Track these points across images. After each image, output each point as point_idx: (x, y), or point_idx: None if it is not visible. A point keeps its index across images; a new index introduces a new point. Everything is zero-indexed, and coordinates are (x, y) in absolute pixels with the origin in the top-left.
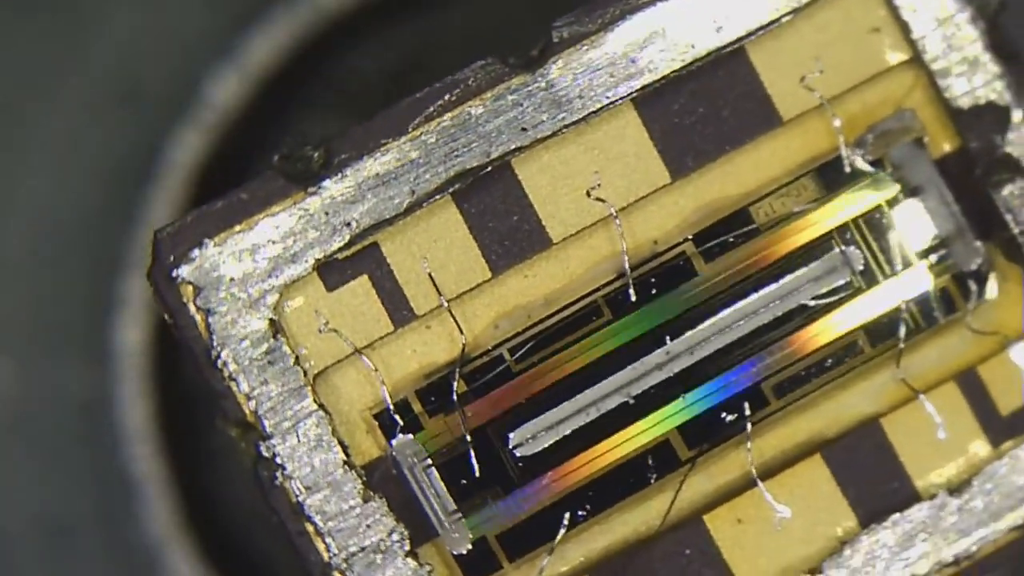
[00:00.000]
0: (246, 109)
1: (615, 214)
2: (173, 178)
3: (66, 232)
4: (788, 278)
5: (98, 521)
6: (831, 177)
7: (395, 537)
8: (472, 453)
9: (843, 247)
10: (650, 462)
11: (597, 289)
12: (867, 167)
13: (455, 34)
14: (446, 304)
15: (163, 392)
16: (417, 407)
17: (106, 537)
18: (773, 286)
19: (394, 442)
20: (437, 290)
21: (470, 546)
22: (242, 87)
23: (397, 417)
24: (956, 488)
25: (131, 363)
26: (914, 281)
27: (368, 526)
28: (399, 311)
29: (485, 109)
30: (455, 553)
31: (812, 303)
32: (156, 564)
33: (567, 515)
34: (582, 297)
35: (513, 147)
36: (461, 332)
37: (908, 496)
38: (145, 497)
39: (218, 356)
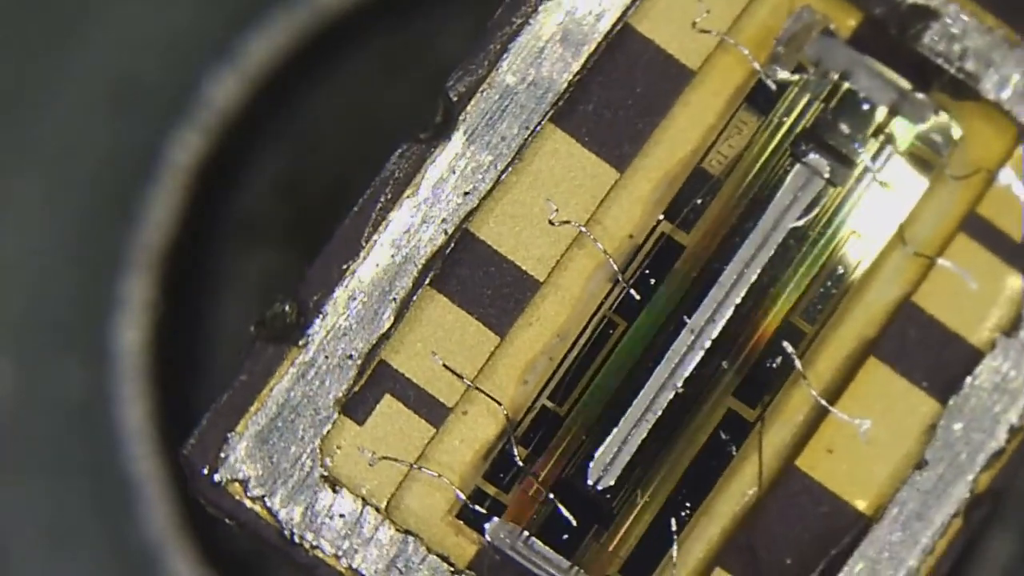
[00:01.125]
0: (244, 109)
1: (584, 230)
2: (171, 178)
3: (64, 232)
4: (768, 211)
5: (96, 521)
6: (762, 102)
7: None
8: (561, 507)
9: (804, 159)
10: (724, 436)
11: (601, 304)
12: (790, 76)
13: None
14: (472, 385)
15: (161, 392)
16: (491, 490)
17: (104, 537)
18: (758, 226)
19: (486, 531)
20: (458, 376)
21: None
22: (240, 87)
23: (478, 508)
24: (1010, 328)
25: (129, 363)
26: (881, 159)
27: None
28: (433, 411)
29: (423, 193)
30: None
31: (801, 223)
32: (154, 564)
33: (672, 521)
34: (591, 318)
35: (464, 214)
36: (498, 403)
37: (970, 356)
38: (143, 497)
39: (292, 534)
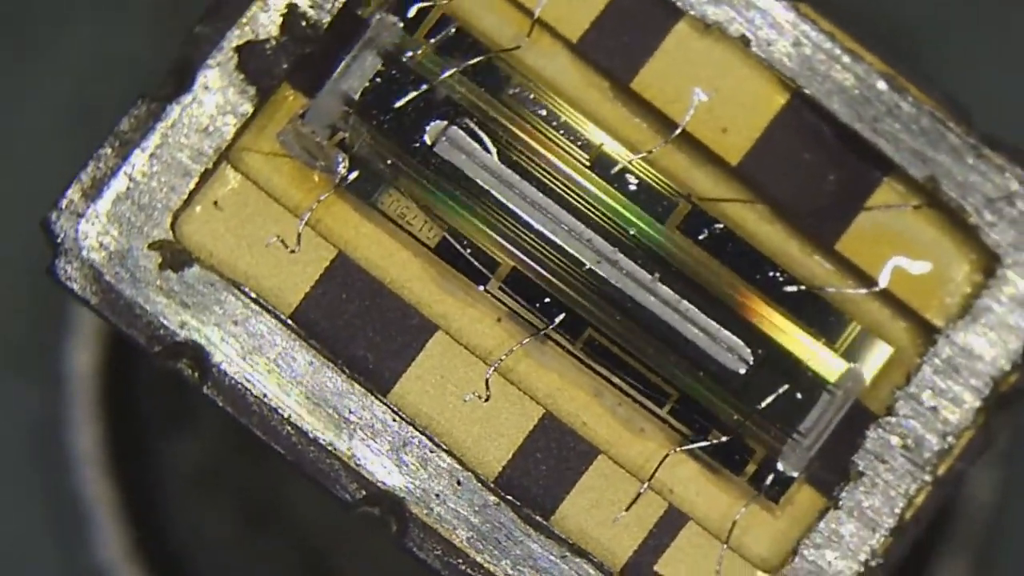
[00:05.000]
0: None
1: (493, 368)
2: None
3: (17, 255)
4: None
5: (47, 543)
6: (369, 184)
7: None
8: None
9: (439, 136)
10: (719, 234)
11: (571, 353)
12: (364, 141)
13: None
14: (647, 484)
15: (113, 416)
16: (758, 454)
17: (55, 559)
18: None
19: (790, 462)
20: (636, 499)
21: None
22: None
23: (768, 483)
24: None
25: (81, 386)
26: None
27: None
28: (673, 522)
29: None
30: None
31: (493, 154)
32: None
33: (804, 302)
34: (586, 365)
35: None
36: (669, 454)
37: None
38: (94, 520)
39: None
